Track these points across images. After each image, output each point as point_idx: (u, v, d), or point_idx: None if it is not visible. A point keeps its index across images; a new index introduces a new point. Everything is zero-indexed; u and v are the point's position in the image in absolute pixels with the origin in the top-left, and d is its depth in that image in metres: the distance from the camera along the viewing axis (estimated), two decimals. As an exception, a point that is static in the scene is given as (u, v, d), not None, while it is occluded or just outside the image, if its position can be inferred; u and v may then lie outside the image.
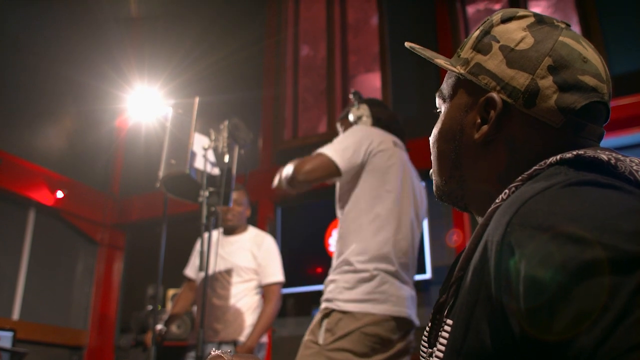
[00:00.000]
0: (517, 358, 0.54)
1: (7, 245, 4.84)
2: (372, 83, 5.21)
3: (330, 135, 5.01)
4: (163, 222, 2.88)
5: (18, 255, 4.90)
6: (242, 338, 3.09)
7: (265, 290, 3.21)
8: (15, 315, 4.75)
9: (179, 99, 3.37)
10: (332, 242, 4.49)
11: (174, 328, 4.37)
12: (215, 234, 3.20)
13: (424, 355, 0.78)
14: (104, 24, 6.12)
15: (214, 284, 3.17)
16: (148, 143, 5.62)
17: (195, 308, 3.44)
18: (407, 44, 0.90)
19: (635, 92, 3.75)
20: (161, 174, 2.69)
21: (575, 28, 4.22)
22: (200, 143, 2.71)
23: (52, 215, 5.22)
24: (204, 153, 2.68)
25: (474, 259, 0.63)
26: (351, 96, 2.43)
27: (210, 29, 5.96)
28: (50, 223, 5.22)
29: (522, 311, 0.52)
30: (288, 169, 2.12)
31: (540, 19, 0.77)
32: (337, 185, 2.24)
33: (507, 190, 0.68)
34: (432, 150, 0.87)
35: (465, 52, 0.82)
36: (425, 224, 4.25)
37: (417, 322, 2.10)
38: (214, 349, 2.51)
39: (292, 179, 2.09)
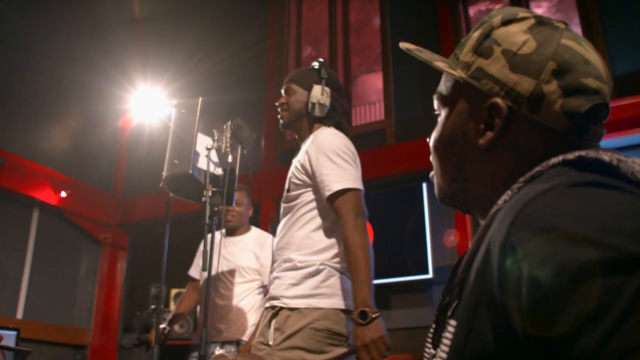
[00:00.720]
0: (519, 359, 0.54)
1: (10, 245, 4.86)
2: (374, 84, 5.22)
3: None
4: (166, 222, 2.88)
5: (22, 254, 4.92)
6: (245, 338, 3.09)
7: (267, 290, 3.22)
8: (19, 314, 4.77)
9: (182, 99, 3.39)
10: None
11: (176, 327, 4.38)
12: (218, 234, 3.21)
13: (428, 356, 0.78)
14: (108, 25, 6.13)
15: (217, 284, 3.17)
16: (151, 143, 5.63)
17: (198, 308, 3.45)
18: (402, 45, 0.89)
19: (637, 93, 3.75)
20: (164, 174, 2.70)
21: (577, 29, 4.22)
22: (203, 143, 2.72)
23: (56, 215, 5.24)
24: (207, 153, 2.69)
25: (477, 260, 0.63)
26: (316, 65, 2.25)
27: (213, 30, 5.97)
28: (54, 223, 5.23)
29: (524, 312, 0.52)
30: (353, 236, 1.94)
31: (540, 20, 0.77)
32: (296, 192, 2.14)
33: (509, 192, 0.68)
34: (433, 154, 0.86)
35: (465, 54, 0.81)
36: (427, 224, 4.26)
37: None
38: (217, 349, 2.50)
39: (365, 224, 2.00)
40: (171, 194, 2.79)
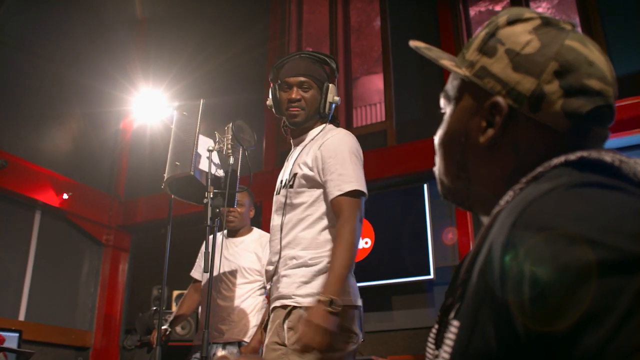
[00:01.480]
0: (521, 359, 0.54)
1: (13, 247, 4.87)
2: (374, 85, 5.23)
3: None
4: (168, 224, 2.89)
5: (24, 256, 4.93)
6: (247, 339, 3.10)
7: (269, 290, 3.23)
8: (22, 316, 4.78)
9: (184, 101, 3.39)
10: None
11: (178, 329, 4.39)
12: (220, 235, 3.22)
13: (430, 356, 0.78)
14: (110, 28, 6.15)
15: (219, 285, 3.18)
16: (153, 145, 5.64)
17: (200, 309, 3.46)
18: (411, 43, 0.89)
19: (638, 93, 3.75)
20: (166, 175, 2.70)
21: (577, 29, 4.22)
22: (204, 145, 2.72)
23: (58, 216, 5.25)
24: (208, 155, 2.70)
25: (479, 261, 0.63)
26: (332, 63, 2.24)
27: (214, 32, 5.98)
28: (56, 224, 5.25)
29: (526, 313, 0.52)
30: (356, 233, 1.95)
31: (546, 22, 0.77)
32: (298, 190, 2.12)
33: (511, 192, 0.68)
34: (437, 150, 0.87)
35: (471, 53, 0.81)
36: (428, 225, 4.26)
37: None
38: (219, 350, 2.50)
39: (360, 231, 1.99)
40: (173, 196, 2.80)
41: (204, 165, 2.70)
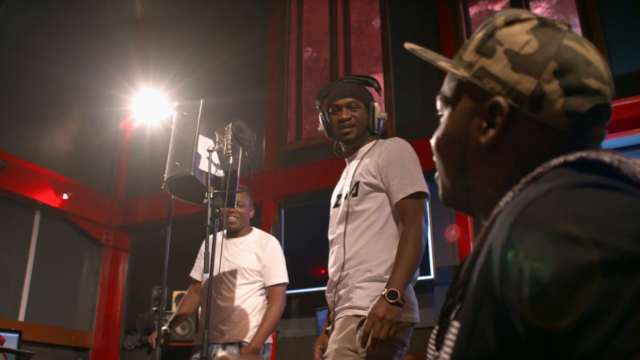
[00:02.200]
0: (521, 359, 0.55)
1: (13, 247, 4.87)
2: (375, 85, 5.23)
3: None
4: (168, 224, 2.89)
5: (24, 256, 4.93)
6: (247, 339, 3.09)
7: (269, 292, 3.22)
8: (21, 316, 4.78)
9: (184, 101, 3.39)
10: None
11: (178, 329, 4.39)
12: (220, 235, 3.22)
13: (431, 357, 0.78)
14: (110, 28, 6.15)
15: (219, 286, 3.18)
16: (153, 145, 5.65)
17: (200, 309, 3.46)
18: (407, 45, 0.89)
19: (637, 93, 3.75)
20: (166, 175, 2.70)
21: (576, 29, 4.22)
22: (204, 145, 2.72)
23: (58, 217, 5.25)
24: (208, 155, 2.70)
25: (479, 261, 0.63)
26: (374, 84, 2.39)
27: (214, 32, 5.99)
28: (56, 225, 5.25)
29: (526, 313, 0.52)
30: (422, 233, 2.07)
31: (543, 22, 0.77)
32: (362, 198, 2.19)
33: (510, 193, 0.68)
34: (436, 154, 0.87)
35: (468, 54, 0.81)
36: (429, 225, 4.26)
37: None
38: (219, 351, 2.50)
39: (426, 231, 2.09)
40: (172, 196, 2.80)
41: (203, 165, 2.70)
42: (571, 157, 0.66)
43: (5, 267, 4.74)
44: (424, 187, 2.12)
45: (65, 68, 5.41)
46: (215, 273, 2.80)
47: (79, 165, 5.54)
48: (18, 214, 4.94)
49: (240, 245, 3.29)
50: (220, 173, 2.74)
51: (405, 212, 2.09)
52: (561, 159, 0.67)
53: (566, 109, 0.72)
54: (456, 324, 0.66)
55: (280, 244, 3.41)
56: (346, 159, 2.39)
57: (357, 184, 2.19)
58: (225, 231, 3.33)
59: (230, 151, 2.71)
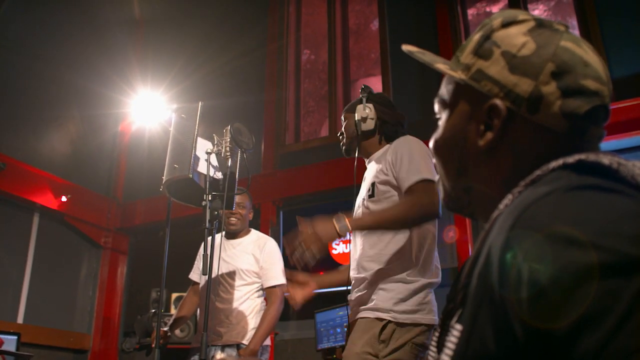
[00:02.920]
0: None
1: (11, 249, 4.87)
2: (373, 87, 5.23)
3: (331, 139, 5.07)
4: (166, 226, 2.89)
5: (22, 259, 4.92)
6: (245, 341, 3.09)
7: (267, 293, 3.22)
8: (20, 318, 4.77)
9: (182, 103, 3.39)
10: (334, 246, 4.50)
11: (177, 331, 4.38)
12: (218, 237, 3.22)
13: None
14: (108, 30, 6.15)
15: (217, 288, 3.18)
16: (151, 147, 5.65)
17: (198, 311, 3.46)
18: (404, 48, 0.89)
19: (635, 95, 3.76)
20: (164, 178, 2.71)
21: (575, 31, 4.23)
22: (203, 147, 2.73)
23: (56, 219, 5.24)
24: (207, 157, 2.70)
25: (479, 264, 0.63)
26: (360, 90, 2.42)
27: (213, 35, 5.99)
28: (54, 227, 5.24)
29: (525, 314, 0.52)
30: (420, 210, 2.04)
31: (540, 23, 0.77)
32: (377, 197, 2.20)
33: (510, 196, 0.68)
34: (435, 157, 0.87)
35: (466, 56, 0.81)
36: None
37: None
38: (218, 352, 2.50)
39: (432, 214, 2.06)
40: (171, 198, 2.80)
41: (202, 167, 2.70)
42: (570, 159, 0.66)
43: (4, 269, 4.74)
44: (430, 174, 2.08)
45: (64, 70, 5.41)
46: (213, 275, 2.80)
47: (78, 168, 5.53)
48: (17, 216, 4.94)
49: (238, 247, 3.29)
50: (219, 175, 2.74)
51: (413, 192, 2.08)
52: (560, 162, 0.67)
53: (564, 110, 0.72)
54: (458, 327, 0.66)
55: (279, 246, 3.40)
56: (366, 163, 2.42)
57: (373, 185, 2.21)
58: (223, 232, 3.33)
59: (228, 153, 2.72)
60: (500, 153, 0.77)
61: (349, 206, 2.31)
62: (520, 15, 0.79)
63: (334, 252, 4.51)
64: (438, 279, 2.13)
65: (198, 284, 3.34)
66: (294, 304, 2.21)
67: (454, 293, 0.72)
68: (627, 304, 0.48)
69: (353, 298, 2.18)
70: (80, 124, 5.69)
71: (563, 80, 0.72)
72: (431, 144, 0.87)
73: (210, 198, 2.61)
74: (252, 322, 3.15)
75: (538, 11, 4.63)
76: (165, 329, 3.15)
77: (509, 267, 0.55)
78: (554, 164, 0.67)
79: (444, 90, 0.86)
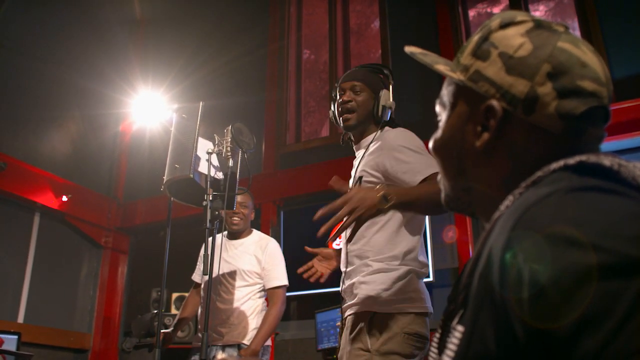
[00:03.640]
0: None
1: (12, 249, 4.87)
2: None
3: (332, 139, 5.08)
4: (167, 226, 2.90)
5: (23, 258, 4.93)
6: (246, 341, 3.09)
7: (269, 294, 3.22)
8: (20, 318, 4.77)
9: (183, 103, 3.39)
10: (336, 245, 4.51)
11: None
12: (220, 237, 3.22)
13: None
14: (109, 30, 6.15)
15: (218, 288, 3.18)
16: (152, 147, 5.65)
17: (199, 311, 3.46)
18: (407, 49, 0.90)
19: (636, 96, 3.76)
20: (165, 178, 2.71)
21: (576, 32, 4.23)
22: (204, 147, 2.73)
23: (57, 219, 5.25)
24: (207, 157, 2.70)
25: (480, 265, 0.63)
26: (385, 71, 2.27)
27: (214, 34, 5.99)
28: (55, 227, 5.24)
29: (525, 315, 0.53)
30: (431, 197, 1.82)
31: (538, 24, 0.77)
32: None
33: (511, 197, 0.68)
34: (435, 157, 0.87)
35: (465, 57, 0.82)
36: (427, 226, 4.26)
37: None
38: (219, 352, 2.50)
39: (441, 207, 1.98)
40: (172, 198, 2.80)
41: (203, 167, 2.70)
42: (571, 160, 0.66)
43: (5, 268, 4.74)
44: (432, 169, 1.96)
45: (64, 70, 5.41)
46: (214, 275, 2.80)
47: (79, 167, 5.54)
48: (17, 216, 4.94)
49: (240, 247, 3.29)
50: (220, 175, 2.74)
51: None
52: (561, 163, 0.67)
53: (559, 111, 0.72)
54: (460, 328, 0.66)
55: (280, 246, 3.41)
56: (354, 147, 2.27)
57: (360, 179, 2.11)
58: (225, 232, 3.33)
59: (229, 153, 2.72)
60: (498, 154, 0.77)
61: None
62: (519, 16, 0.79)
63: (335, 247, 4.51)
64: (424, 270, 2.04)
65: (200, 285, 3.34)
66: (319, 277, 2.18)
67: (455, 294, 0.72)
68: (627, 305, 0.48)
69: (342, 294, 2.14)
70: (81, 124, 5.69)
71: (559, 81, 0.73)
72: (430, 144, 0.87)
73: (211, 198, 2.61)
74: (253, 322, 3.15)
75: (539, 12, 4.63)
76: (169, 330, 3.16)
77: (510, 268, 0.56)
78: (554, 165, 0.67)
79: (445, 91, 0.86)
